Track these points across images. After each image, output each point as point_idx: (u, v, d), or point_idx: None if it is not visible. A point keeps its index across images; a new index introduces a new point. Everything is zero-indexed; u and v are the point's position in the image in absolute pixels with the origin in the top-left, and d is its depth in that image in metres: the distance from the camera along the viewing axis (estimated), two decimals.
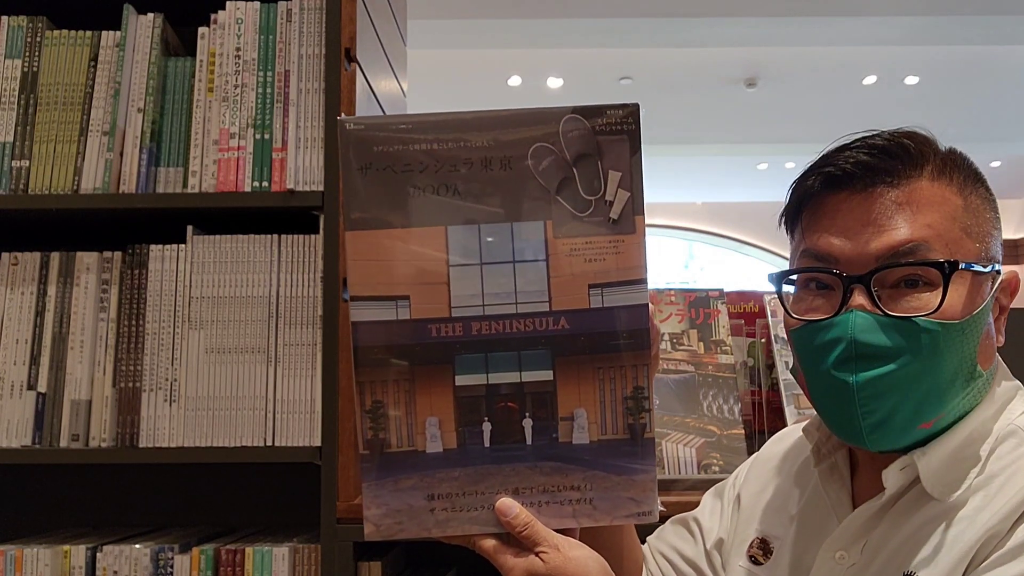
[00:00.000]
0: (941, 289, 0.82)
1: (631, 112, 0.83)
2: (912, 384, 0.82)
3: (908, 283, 0.83)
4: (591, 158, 0.83)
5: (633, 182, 0.83)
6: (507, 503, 0.83)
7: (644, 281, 0.84)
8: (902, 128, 0.89)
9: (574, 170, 0.83)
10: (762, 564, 0.98)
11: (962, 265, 0.82)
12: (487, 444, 0.84)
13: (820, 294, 0.88)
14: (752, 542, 1.01)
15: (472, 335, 0.83)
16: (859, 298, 0.83)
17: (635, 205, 0.83)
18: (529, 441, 0.84)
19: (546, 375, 0.84)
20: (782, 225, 0.95)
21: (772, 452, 1.09)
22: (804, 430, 0.98)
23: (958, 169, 0.88)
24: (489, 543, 0.83)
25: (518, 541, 0.83)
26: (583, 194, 0.83)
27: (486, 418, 0.84)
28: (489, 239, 0.83)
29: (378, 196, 0.83)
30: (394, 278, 0.83)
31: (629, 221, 0.83)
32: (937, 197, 0.85)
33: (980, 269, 0.85)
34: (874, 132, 0.89)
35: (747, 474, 1.09)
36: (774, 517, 1.00)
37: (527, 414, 0.84)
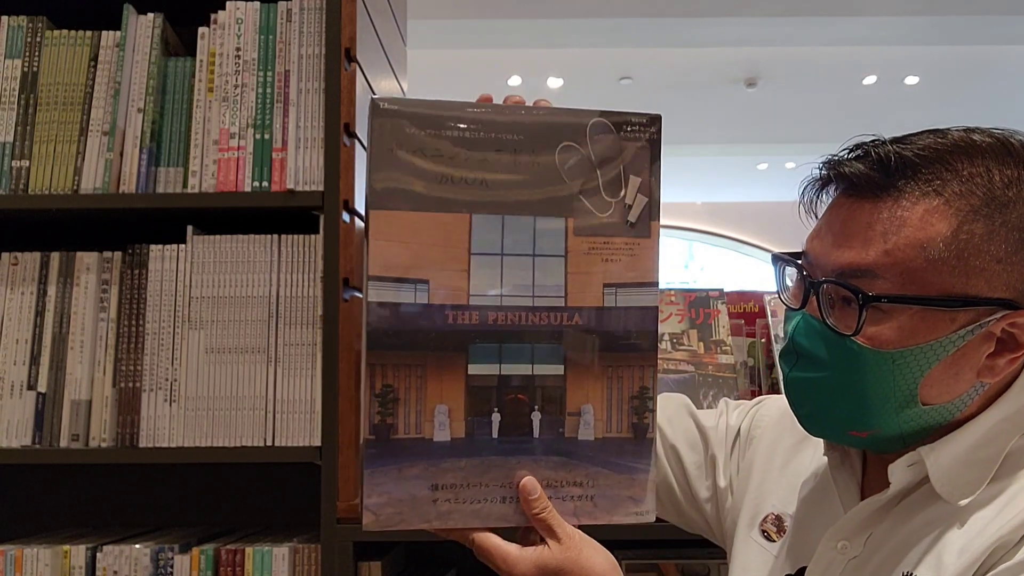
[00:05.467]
0: (863, 315, 0.79)
1: (655, 121, 0.86)
2: (830, 395, 0.83)
3: (849, 301, 0.81)
4: (614, 161, 0.85)
5: (652, 188, 0.85)
6: (532, 481, 0.82)
7: (656, 284, 0.86)
8: (947, 136, 0.81)
9: (598, 172, 0.84)
10: (775, 541, 0.97)
11: (884, 300, 0.78)
12: (495, 435, 0.83)
13: (799, 283, 0.89)
14: (767, 517, 0.99)
15: (488, 325, 0.83)
16: (812, 301, 0.84)
17: (652, 211, 0.86)
18: (536, 434, 0.84)
19: (557, 370, 0.84)
20: (808, 213, 0.92)
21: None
22: None
23: (979, 192, 0.78)
24: (490, 537, 0.82)
25: (521, 536, 0.82)
26: (604, 195, 0.85)
27: (496, 409, 0.83)
28: (511, 231, 0.83)
29: (405, 178, 0.81)
30: (415, 261, 0.82)
31: (645, 225, 0.85)
32: (917, 221, 0.79)
33: (934, 305, 0.78)
34: (903, 137, 0.83)
35: (765, 429, 1.06)
36: (789, 495, 0.99)
37: (536, 407, 0.84)
